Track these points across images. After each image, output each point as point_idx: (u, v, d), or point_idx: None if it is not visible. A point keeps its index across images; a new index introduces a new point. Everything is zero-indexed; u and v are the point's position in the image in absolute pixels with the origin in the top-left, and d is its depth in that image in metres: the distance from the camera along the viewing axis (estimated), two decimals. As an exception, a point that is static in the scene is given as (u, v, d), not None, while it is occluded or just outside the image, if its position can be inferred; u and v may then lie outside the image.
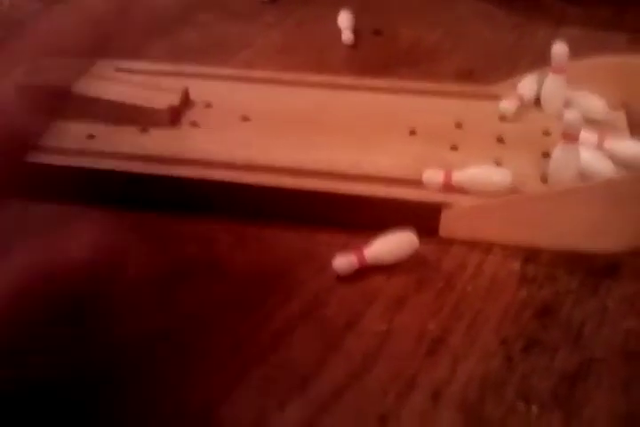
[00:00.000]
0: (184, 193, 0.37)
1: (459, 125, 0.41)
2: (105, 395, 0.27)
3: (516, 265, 0.33)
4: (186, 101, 0.43)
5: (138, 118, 0.41)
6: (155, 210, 0.36)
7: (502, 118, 0.41)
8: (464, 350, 0.29)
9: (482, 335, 0.30)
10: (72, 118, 0.41)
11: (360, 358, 0.29)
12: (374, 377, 0.28)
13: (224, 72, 0.47)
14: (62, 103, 0.30)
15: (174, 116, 0.42)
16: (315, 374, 0.28)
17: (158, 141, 0.40)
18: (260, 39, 0.55)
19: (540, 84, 0.41)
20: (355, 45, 0.53)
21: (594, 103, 0.40)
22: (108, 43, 0.29)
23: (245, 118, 0.42)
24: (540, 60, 0.42)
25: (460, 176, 0.35)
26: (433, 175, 0.35)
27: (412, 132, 0.40)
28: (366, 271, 0.33)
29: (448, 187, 0.35)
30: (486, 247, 0.34)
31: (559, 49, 0.39)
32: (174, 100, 0.42)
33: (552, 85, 0.40)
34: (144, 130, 0.41)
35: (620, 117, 0.40)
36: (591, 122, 0.39)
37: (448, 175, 0.35)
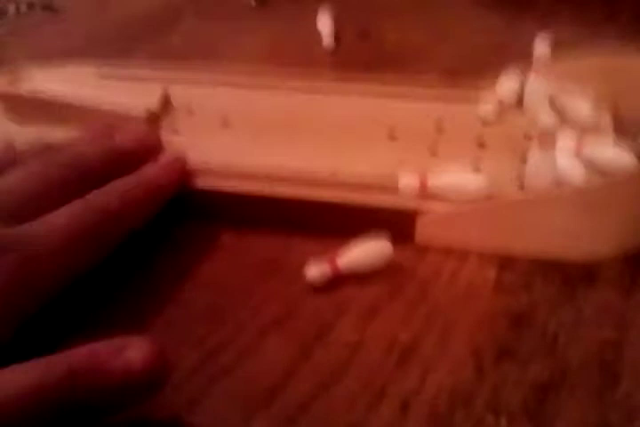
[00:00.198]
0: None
1: (439, 130, 0.40)
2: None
3: (491, 273, 0.33)
4: (166, 106, 0.43)
5: (118, 124, 0.41)
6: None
7: (484, 122, 0.40)
8: (435, 360, 0.29)
9: (453, 345, 0.29)
10: (48, 124, 0.40)
11: (329, 369, 0.29)
12: (343, 388, 0.28)
13: (205, 77, 0.47)
14: None
15: (153, 121, 0.42)
16: (282, 385, 0.28)
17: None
18: (245, 43, 0.54)
19: (523, 85, 0.41)
20: (339, 46, 0.53)
21: (579, 105, 0.39)
22: None
23: (225, 124, 0.42)
24: (527, 59, 0.41)
25: (436, 182, 0.34)
26: (408, 181, 0.34)
27: (392, 137, 0.40)
28: (340, 280, 0.33)
29: (424, 193, 0.34)
30: (462, 255, 0.34)
31: (541, 50, 0.38)
32: (154, 101, 0.42)
33: (534, 88, 0.40)
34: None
35: (605, 118, 0.40)
36: (575, 123, 0.38)
37: (424, 181, 0.34)
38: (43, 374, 0.24)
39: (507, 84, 0.42)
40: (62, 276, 0.30)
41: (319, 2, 0.57)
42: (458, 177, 0.34)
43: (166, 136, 0.41)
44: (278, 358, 0.29)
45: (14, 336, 0.28)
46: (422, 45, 0.53)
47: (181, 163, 0.37)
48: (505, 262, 0.33)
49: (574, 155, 0.35)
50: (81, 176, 0.33)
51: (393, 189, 0.35)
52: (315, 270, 0.32)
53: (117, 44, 0.56)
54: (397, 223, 0.34)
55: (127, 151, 0.36)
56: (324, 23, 0.55)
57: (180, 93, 0.44)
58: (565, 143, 0.36)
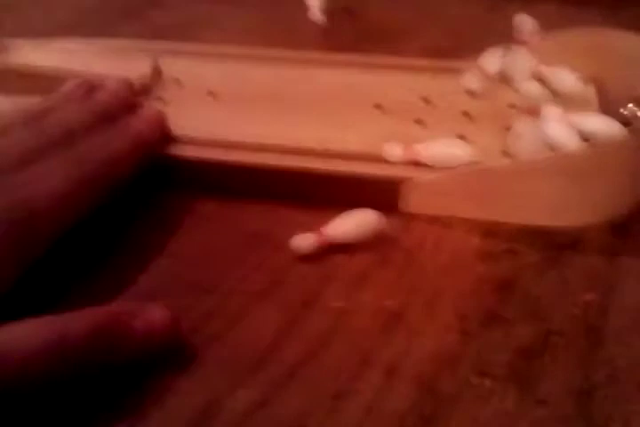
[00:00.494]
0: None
1: (425, 100, 0.40)
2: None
3: (475, 240, 0.33)
4: (156, 76, 0.43)
5: None
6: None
7: (469, 93, 0.40)
8: (421, 325, 0.29)
9: (439, 311, 0.30)
10: (36, 92, 0.40)
11: (316, 336, 0.29)
12: (331, 354, 0.28)
13: (193, 48, 0.47)
14: None
15: (145, 89, 0.42)
16: (270, 352, 0.28)
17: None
18: (230, 19, 0.54)
19: (506, 58, 0.41)
20: (326, 24, 0.53)
21: (565, 77, 0.39)
22: None
23: (212, 95, 0.42)
24: (510, 37, 0.41)
25: (420, 150, 0.34)
26: (393, 149, 0.35)
27: (378, 108, 0.40)
28: (327, 250, 0.33)
29: (408, 161, 0.34)
30: (447, 222, 0.34)
31: (522, 20, 0.38)
32: (146, 69, 0.42)
33: (517, 58, 0.40)
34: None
35: (590, 92, 0.40)
36: (561, 96, 0.39)
37: (408, 149, 0.34)
38: (66, 328, 0.25)
39: (491, 57, 0.42)
40: (60, 226, 0.30)
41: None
42: (443, 146, 0.35)
43: (154, 106, 0.40)
44: (266, 325, 0.29)
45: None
46: (406, 24, 0.53)
47: (161, 115, 0.38)
48: (489, 229, 0.34)
49: (560, 122, 0.35)
50: (68, 140, 0.33)
51: (379, 158, 0.35)
52: (300, 240, 0.32)
53: (103, 21, 0.56)
54: (383, 192, 0.34)
55: (107, 107, 0.36)
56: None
57: (168, 65, 0.44)
58: (551, 111, 0.36)
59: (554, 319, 0.29)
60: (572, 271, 0.32)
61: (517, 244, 0.33)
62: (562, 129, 0.35)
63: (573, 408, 0.26)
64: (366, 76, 0.43)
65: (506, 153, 0.35)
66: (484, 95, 0.40)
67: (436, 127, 0.38)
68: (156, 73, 0.43)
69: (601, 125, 0.35)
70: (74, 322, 0.25)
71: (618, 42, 0.39)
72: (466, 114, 0.39)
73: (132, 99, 0.39)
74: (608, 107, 0.39)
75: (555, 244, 0.33)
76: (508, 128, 0.36)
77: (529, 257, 0.32)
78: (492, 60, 0.41)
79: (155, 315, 0.27)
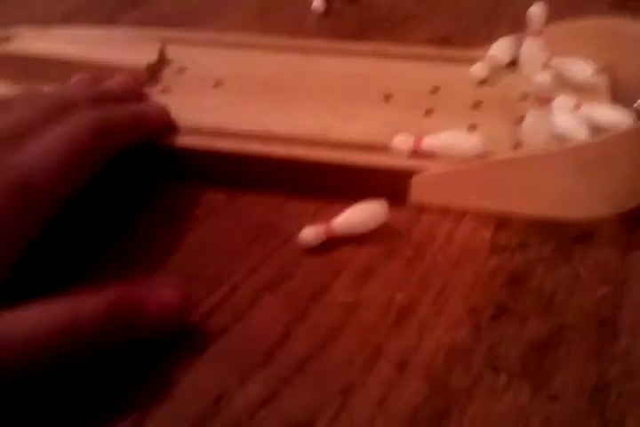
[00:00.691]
0: (152, 160, 0.36)
1: (435, 90, 0.40)
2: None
3: (487, 233, 0.33)
4: (163, 60, 0.43)
5: None
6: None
7: (480, 83, 0.40)
8: (432, 319, 0.29)
9: (450, 304, 0.29)
10: (46, 80, 0.40)
11: (325, 329, 0.28)
12: (339, 348, 0.28)
13: (198, 37, 0.46)
14: None
15: (152, 75, 0.41)
16: (278, 346, 0.28)
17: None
18: (233, 7, 0.53)
19: (517, 47, 0.40)
20: (329, 13, 0.52)
21: (578, 67, 0.39)
22: None
23: (218, 84, 0.41)
24: (519, 26, 0.41)
25: (430, 142, 0.34)
26: (403, 141, 0.34)
27: (387, 98, 0.39)
28: (335, 242, 0.32)
29: (418, 153, 0.34)
30: (457, 215, 0.34)
31: (536, 10, 0.38)
32: (152, 58, 0.42)
33: (529, 48, 0.39)
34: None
35: (603, 81, 0.39)
36: (574, 86, 0.38)
37: (418, 141, 0.34)
38: (77, 310, 0.24)
39: (502, 46, 0.41)
40: (56, 201, 0.30)
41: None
42: (453, 136, 0.34)
43: (158, 95, 0.40)
44: (274, 318, 0.29)
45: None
46: (413, 12, 0.52)
47: (166, 107, 0.37)
48: (501, 222, 0.33)
49: (572, 113, 0.34)
50: (65, 112, 0.32)
51: (387, 149, 0.34)
52: (308, 233, 0.32)
53: (105, 10, 0.55)
54: (392, 184, 0.34)
55: (112, 94, 0.36)
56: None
57: (172, 53, 0.44)
58: (563, 102, 0.35)
59: (566, 314, 0.29)
60: (584, 265, 0.31)
61: (529, 237, 0.32)
62: (573, 120, 0.35)
63: (587, 404, 0.25)
64: (375, 65, 0.42)
65: (517, 144, 0.34)
66: (495, 85, 0.40)
67: (446, 118, 0.37)
68: (162, 60, 0.42)
69: (613, 116, 0.35)
70: (85, 303, 0.25)
71: (630, 30, 0.39)
72: (476, 104, 0.38)
73: (138, 90, 0.38)
74: (620, 95, 0.38)
75: (566, 237, 0.32)
76: (519, 119, 0.36)
77: (541, 250, 0.32)
78: (503, 50, 0.40)
79: (167, 293, 0.27)
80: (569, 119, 0.34)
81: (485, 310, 0.29)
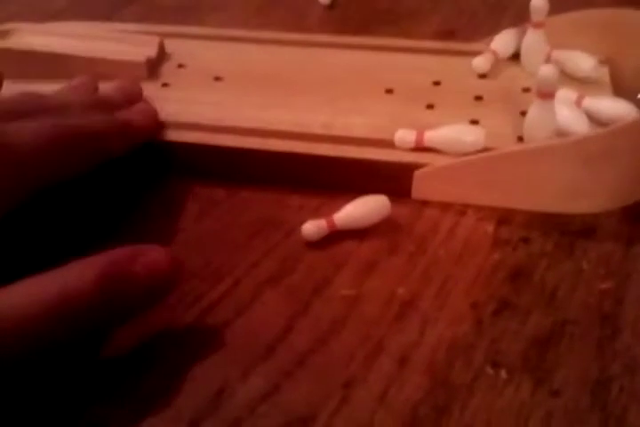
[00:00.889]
0: (150, 156, 0.36)
1: (437, 84, 0.40)
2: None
3: (489, 228, 0.33)
4: (162, 55, 0.42)
5: (114, 74, 0.40)
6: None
7: (482, 76, 0.40)
8: (433, 313, 0.29)
9: (452, 299, 0.29)
10: (45, 78, 0.40)
11: (327, 323, 0.28)
12: (341, 342, 0.28)
13: (197, 32, 0.46)
14: None
15: (152, 69, 0.41)
16: (280, 340, 0.28)
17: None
18: (234, 1, 0.53)
19: (519, 40, 0.40)
20: (332, 5, 0.52)
21: (581, 61, 0.38)
22: None
23: (218, 78, 0.41)
24: (523, 18, 0.41)
25: (432, 136, 0.34)
26: (405, 135, 0.34)
27: (389, 91, 0.39)
28: (337, 236, 0.32)
29: (420, 147, 0.34)
30: (460, 209, 0.34)
31: (538, 2, 0.37)
32: (151, 52, 0.41)
33: (531, 41, 0.39)
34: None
35: (605, 73, 0.39)
36: (576, 79, 0.38)
37: (420, 135, 0.34)
38: (66, 285, 0.24)
39: (504, 38, 0.41)
40: (38, 172, 0.29)
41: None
42: (455, 130, 0.34)
43: (158, 90, 0.40)
44: (276, 312, 0.29)
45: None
46: (417, 6, 0.52)
47: (153, 110, 0.37)
48: (503, 217, 0.33)
49: (574, 106, 0.34)
50: (60, 112, 0.32)
51: (389, 142, 0.34)
52: (310, 227, 0.32)
53: (105, 5, 0.55)
54: (394, 178, 0.34)
55: (109, 99, 0.36)
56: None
57: (172, 48, 0.43)
58: (565, 95, 0.35)
59: (569, 309, 0.29)
60: (587, 259, 0.31)
61: (531, 232, 0.32)
62: (576, 113, 0.34)
63: (588, 399, 0.25)
64: (376, 60, 0.42)
65: (520, 138, 0.34)
66: (498, 78, 0.40)
67: (448, 112, 0.37)
68: (161, 55, 0.42)
69: (616, 108, 0.35)
70: (74, 277, 0.24)
71: (632, 21, 0.39)
72: (479, 98, 0.38)
73: (137, 92, 0.38)
74: (622, 88, 0.38)
75: (569, 231, 0.32)
76: (522, 112, 0.36)
77: (543, 245, 0.32)
78: (505, 42, 0.40)
79: (154, 256, 0.26)
80: (571, 113, 0.34)
81: (487, 304, 0.29)
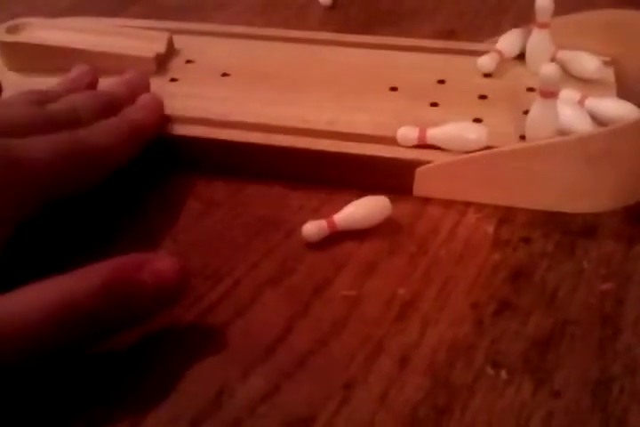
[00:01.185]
0: (156, 150, 0.36)
1: (441, 82, 0.40)
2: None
3: (490, 228, 0.33)
4: (171, 51, 0.43)
5: (124, 68, 0.40)
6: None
7: (486, 75, 0.40)
8: (434, 314, 0.29)
9: (452, 300, 0.29)
10: (55, 71, 0.40)
11: (327, 324, 0.28)
12: (341, 343, 0.28)
13: (204, 28, 0.46)
14: None
15: (160, 65, 0.41)
16: (280, 340, 0.28)
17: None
18: (238, 1, 0.53)
19: (524, 40, 0.40)
20: (334, 6, 0.52)
21: (585, 61, 0.38)
22: None
23: (225, 74, 0.41)
24: (524, 19, 0.40)
25: (435, 133, 0.34)
26: (407, 132, 0.34)
27: (393, 89, 0.39)
28: (338, 237, 0.32)
29: (423, 144, 0.34)
30: (461, 209, 0.34)
31: (544, 3, 0.37)
32: (160, 48, 0.42)
33: (536, 41, 0.39)
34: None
35: (609, 74, 0.39)
36: (580, 80, 0.38)
37: (423, 132, 0.34)
38: (76, 286, 0.24)
39: (509, 38, 0.41)
40: (51, 187, 0.30)
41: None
42: (457, 127, 0.34)
43: (165, 85, 0.40)
44: (276, 313, 0.29)
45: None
46: (418, 6, 0.52)
47: (159, 102, 0.37)
48: (504, 216, 0.33)
49: (577, 105, 0.34)
50: (70, 126, 0.33)
51: (393, 141, 0.34)
52: (311, 228, 0.32)
53: (110, 3, 0.55)
54: (396, 175, 0.34)
55: (113, 95, 0.36)
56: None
57: (180, 44, 0.44)
58: (568, 95, 0.35)
59: (570, 309, 0.29)
60: (587, 259, 0.31)
61: (532, 231, 0.32)
62: (579, 113, 0.34)
63: (589, 399, 0.25)
64: (382, 58, 0.42)
65: (523, 137, 0.34)
66: (502, 78, 0.39)
67: (452, 110, 0.37)
68: (170, 50, 0.42)
69: (618, 109, 0.35)
70: (80, 283, 0.24)
71: (636, 22, 0.38)
72: (482, 97, 0.38)
73: (139, 86, 0.38)
74: (627, 89, 0.38)
75: (570, 231, 0.32)
76: (525, 111, 0.35)
77: (544, 245, 0.32)
78: (511, 42, 0.40)
79: (162, 264, 0.26)
80: (574, 112, 0.34)
81: (488, 305, 0.29)
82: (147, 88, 0.38)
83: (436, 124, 0.34)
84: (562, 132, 0.33)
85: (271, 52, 0.43)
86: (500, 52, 0.40)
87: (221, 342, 0.28)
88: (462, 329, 0.28)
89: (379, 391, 0.26)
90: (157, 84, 0.40)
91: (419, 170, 0.33)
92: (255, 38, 0.45)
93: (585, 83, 0.38)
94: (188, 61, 0.43)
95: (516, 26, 0.42)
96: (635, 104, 0.35)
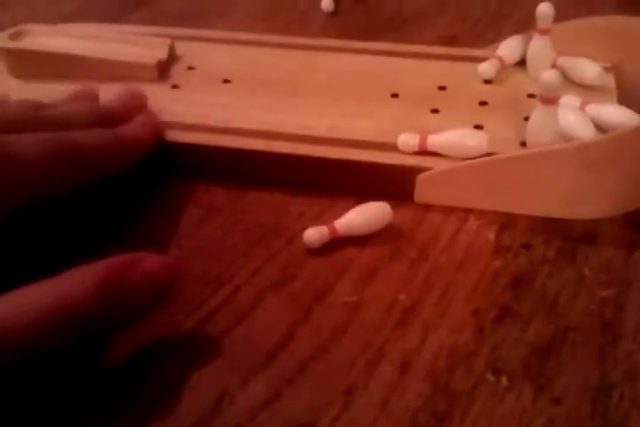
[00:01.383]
0: (157, 156, 0.36)
1: (442, 88, 0.40)
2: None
3: (491, 234, 0.33)
4: (172, 57, 0.43)
5: (126, 75, 0.40)
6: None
7: (487, 81, 0.40)
8: (435, 320, 0.29)
9: (453, 306, 0.29)
10: (57, 78, 0.40)
11: (328, 330, 0.28)
12: (342, 349, 0.28)
13: (206, 35, 0.46)
14: None
15: (162, 71, 0.42)
16: (281, 347, 0.28)
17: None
18: (239, 7, 0.53)
19: (525, 47, 0.40)
20: (336, 12, 0.52)
21: (586, 68, 0.38)
22: None
23: (227, 81, 0.41)
24: (525, 26, 0.41)
25: (435, 140, 0.34)
26: (408, 139, 0.34)
27: (394, 95, 0.39)
28: (339, 243, 0.32)
29: (424, 151, 0.34)
30: (462, 215, 0.34)
31: (544, 9, 0.37)
32: (162, 54, 0.42)
33: (537, 47, 0.39)
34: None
35: (609, 80, 0.39)
36: (580, 86, 0.38)
37: (424, 139, 0.34)
38: (69, 288, 0.24)
39: (510, 44, 0.41)
40: (36, 184, 0.29)
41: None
42: (458, 134, 0.34)
43: (167, 91, 0.40)
44: (277, 319, 0.29)
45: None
46: (419, 12, 0.52)
47: (154, 122, 0.37)
48: (505, 223, 0.33)
49: (578, 112, 0.34)
50: (62, 129, 0.33)
51: (394, 147, 0.34)
52: (312, 234, 0.32)
53: (112, 9, 0.55)
54: (397, 181, 0.34)
55: (109, 110, 0.36)
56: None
57: (182, 50, 0.44)
58: (569, 101, 0.35)
59: (570, 316, 0.29)
60: (588, 266, 0.31)
61: (533, 238, 0.32)
62: (579, 119, 0.34)
63: (589, 406, 0.25)
64: (382, 64, 0.42)
65: (523, 143, 0.34)
66: (503, 84, 0.40)
67: (453, 117, 0.37)
68: (172, 57, 0.43)
69: (619, 116, 0.35)
70: (71, 285, 0.24)
71: (637, 28, 0.39)
72: (483, 103, 0.38)
73: (138, 106, 0.38)
74: (628, 95, 0.38)
75: (571, 238, 0.32)
76: (526, 118, 0.36)
77: (545, 251, 0.32)
78: (512, 48, 0.40)
79: (151, 262, 0.26)
80: (575, 119, 0.34)
81: (488, 311, 0.29)
82: (143, 105, 0.38)
83: (436, 130, 0.34)
84: (565, 138, 0.33)
85: (272, 58, 0.43)
86: (500, 59, 0.40)
87: (222, 348, 0.28)
88: (463, 336, 0.28)
89: (379, 397, 0.26)
90: (159, 91, 0.40)
91: (419, 176, 0.34)
92: (256, 45, 0.45)
93: (585, 89, 0.38)
94: (190, 68, 0.43)
95: (516, 32, 0.42)
96: (635, 110, 0.35)
